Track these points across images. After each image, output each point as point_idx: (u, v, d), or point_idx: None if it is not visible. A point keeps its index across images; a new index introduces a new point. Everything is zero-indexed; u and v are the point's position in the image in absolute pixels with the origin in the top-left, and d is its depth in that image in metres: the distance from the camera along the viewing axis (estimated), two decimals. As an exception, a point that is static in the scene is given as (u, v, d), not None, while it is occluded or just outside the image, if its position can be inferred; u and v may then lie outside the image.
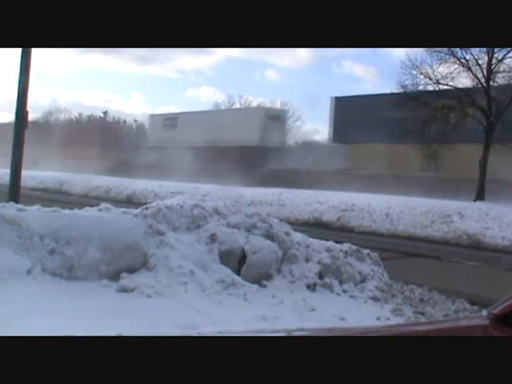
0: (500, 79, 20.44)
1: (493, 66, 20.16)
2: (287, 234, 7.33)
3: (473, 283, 8.56)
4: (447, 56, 20.38)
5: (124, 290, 5.66)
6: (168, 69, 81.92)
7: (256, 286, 6.32)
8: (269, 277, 6.64)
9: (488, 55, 20.02)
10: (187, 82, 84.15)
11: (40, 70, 65.09)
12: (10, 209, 6.31)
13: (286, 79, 76.41)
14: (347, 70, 75.39)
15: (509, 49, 19.07)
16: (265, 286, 6.46)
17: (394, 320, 5.78)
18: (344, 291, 6.76)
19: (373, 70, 76.48)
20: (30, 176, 23.14)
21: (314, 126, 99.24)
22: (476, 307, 6.33)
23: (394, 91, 21.66)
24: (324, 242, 7.54)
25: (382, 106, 24.87)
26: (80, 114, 59.80)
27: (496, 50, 19.62)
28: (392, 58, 61.79)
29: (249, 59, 78.46)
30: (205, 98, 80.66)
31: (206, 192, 18.97)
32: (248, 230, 7.00)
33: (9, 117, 57.33)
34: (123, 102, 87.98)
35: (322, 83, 76.66)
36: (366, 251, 7.62)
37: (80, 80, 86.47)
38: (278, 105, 49.50)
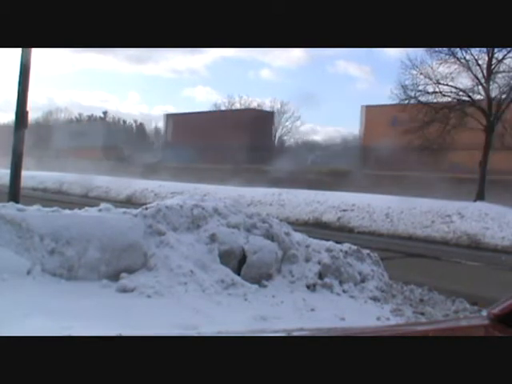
0: (500, 79, 20.45)
1: (493, 66, 20.15)
2: (287, 234, 7.33)
3: (473, 283, 8.56)
4: (447, 56, 20.41)
5: (124, 290, 5.65)
6: (163, 68, 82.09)
7: (256, 286, 6.32)
8: (269, 277, 6.64)
9: (488, 55, 20.03)
10: (183, 81, 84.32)
11: (36, 70, 65.11)
12: (10, 209, 6.31)
13: (281, 79, 76.56)
14: (342, 69, 75.66)
15: (509, 49, 19.07)
16: (265, 286, 6.46)
17: (394, 320, 5.77)
18: (344, 291, 6.76)
19: (367, 69, 76.78)
20: (30, 176, 23.10)
21: (312, 125, 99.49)
22: (476, 307, 6.34)
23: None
24: (324, 242, 7.54)
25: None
26: (80, 115, 59.95)
27: (496, 49, 19.62)
28: (386, 57, 61.97)
29: (243, 59, 78.69)
30: (201, 97, 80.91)
31: (206, 192, 18.97)
32: (248, 230, 7.00)
33: (8, 117, 57.40)
34: (120, 101, 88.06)
35: (317, 83, 76.72)
36: (366, 251, 7.62)
37: (76, 80, 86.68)
38: (278, 105, 49.63)
